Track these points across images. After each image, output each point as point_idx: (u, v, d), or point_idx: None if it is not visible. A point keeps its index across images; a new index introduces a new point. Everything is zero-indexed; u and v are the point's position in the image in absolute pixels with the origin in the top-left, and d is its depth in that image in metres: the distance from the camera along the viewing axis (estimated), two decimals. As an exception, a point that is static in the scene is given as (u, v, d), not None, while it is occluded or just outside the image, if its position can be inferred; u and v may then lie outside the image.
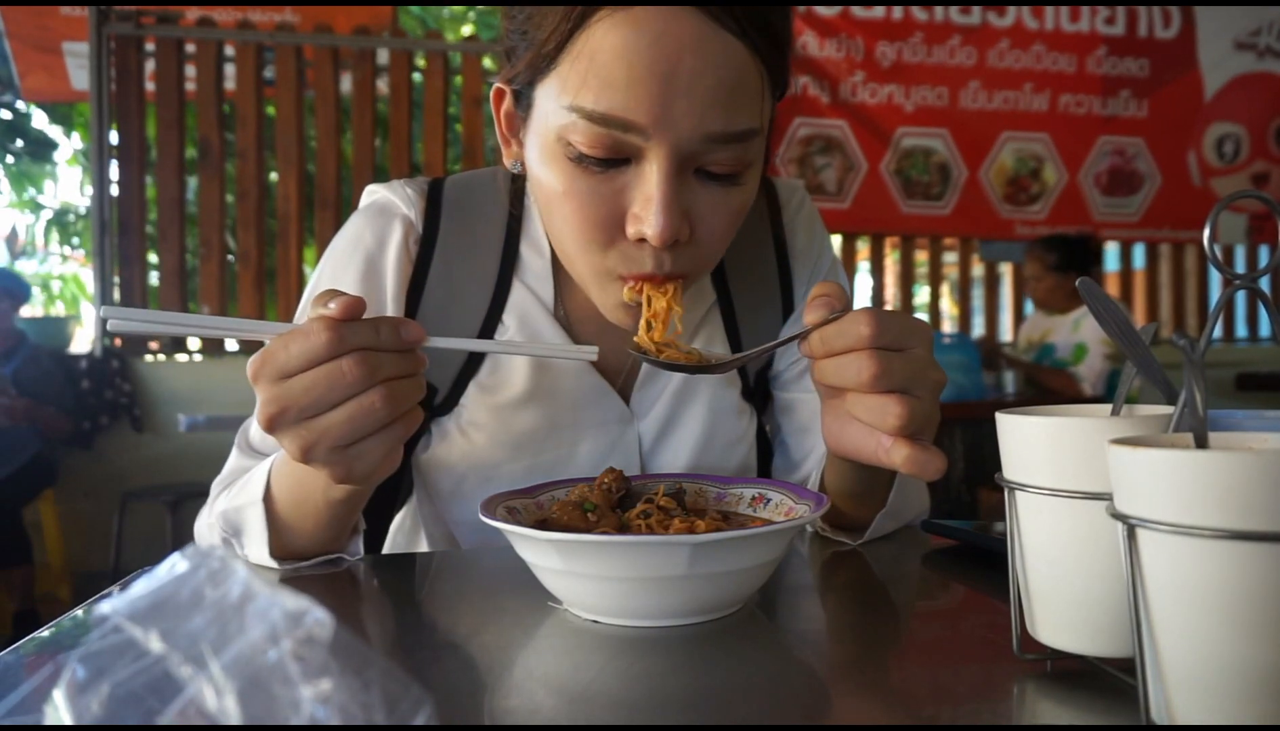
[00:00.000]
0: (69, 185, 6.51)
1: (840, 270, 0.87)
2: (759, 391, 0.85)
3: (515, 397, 0.75)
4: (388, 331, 0.52)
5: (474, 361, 0.76)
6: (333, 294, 0.52)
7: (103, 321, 0.51)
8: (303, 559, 0.66)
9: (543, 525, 0.56)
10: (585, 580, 0.49)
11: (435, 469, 0.78)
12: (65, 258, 6.52)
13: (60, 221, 6.11)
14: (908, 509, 0.73)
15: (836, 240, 4.16)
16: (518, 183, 0.79)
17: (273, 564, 0.65)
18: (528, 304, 0.76)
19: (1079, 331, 3.17)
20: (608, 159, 0.59)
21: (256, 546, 0.64)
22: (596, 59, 0.56)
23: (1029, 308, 4.02)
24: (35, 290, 6.18)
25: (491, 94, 0.70)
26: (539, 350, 0.68)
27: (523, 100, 0.65)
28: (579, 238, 0.63)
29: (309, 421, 0.51)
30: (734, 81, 0.58)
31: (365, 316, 0.53)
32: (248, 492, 0.65)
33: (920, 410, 0.53)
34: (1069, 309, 3.27)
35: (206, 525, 0.71)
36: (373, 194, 0.79)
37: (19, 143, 5.75)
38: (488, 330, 0.76)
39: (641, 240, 0.61)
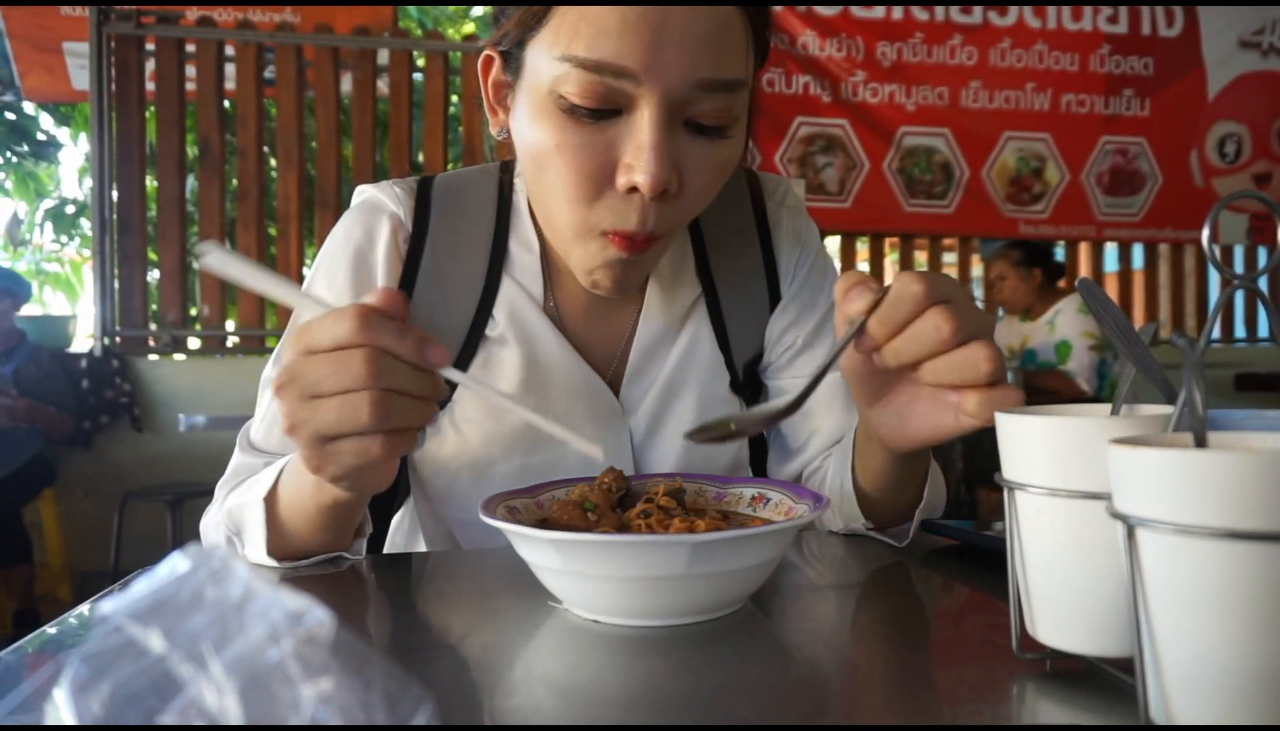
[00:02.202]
0: (68, 179, 6.52)
1: (830, 262, 0.87)
2: (749, 384, 0.84)
3: (506, 393, 0.75)
4: (413, 343, 0.50)
5: (465, 358, 0.76)
6: (383, 291, 0.51)
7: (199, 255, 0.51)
8: (301, 559, 0.66)
9: (543, 524, 0.56)
10: (585, 579, 0.49)
11: (429, 466, 0.78)
12: (62, 245, 6.51)
13: (59, 213, 6.11)
14: (937, 497, 0.73)
15: (835, 241, 4.16)
16: (506, 176, 0.80)
17: (271, 562, 0.65)
18: (518, 299, 0.77)
19: (1056, 331, 3.18)
20: (599, 110, 0.60)
21: (254, 545, 0.65)
22: (588, 9, 0.58)
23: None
24: (34, 284, 6.18)
25: (480, 62, 0.70)
26: (553, 430, 0.57)
27: (512, 62, 0.66)
28: (568, 192, 0.62)
29: (306, 400, 0.50)
30: (723, 32, 0.59)
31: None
32: (252, 491, 0.65)
33: (998, 352, 0.52)
34: (1036, 311, 3.28)
35: (212, 523, 0.71)
36: (362, 193, 0.79)
37: (22, 144, 5.76)
38: (478, 325, 0.76)
39: (631, 191, 0.61)
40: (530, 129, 0.63)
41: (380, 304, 0.50)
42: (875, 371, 0.58)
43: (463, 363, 0.76)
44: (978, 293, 4.44)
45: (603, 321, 0.79)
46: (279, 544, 0.64)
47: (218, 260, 0.50)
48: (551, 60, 0.60)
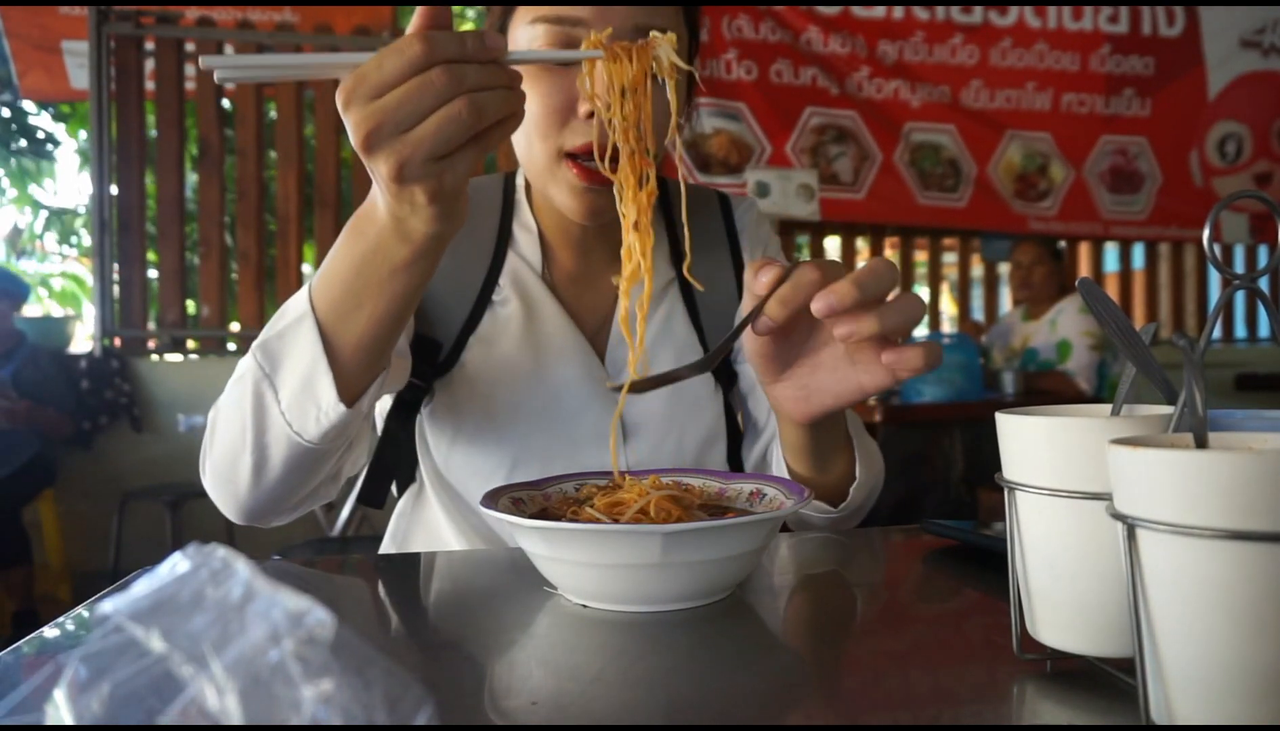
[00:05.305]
0: (68, 184, 6.52)
1: (782, 259, 0.97)
2: (723, 368, 0.92)
3: (509, 350, 0.84)
4: (474, 41, 0.52)
5: (475, 316, 0.85)
6: (422, 11, 0.53)
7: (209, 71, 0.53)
8: (351, 375, 0.64)
9: (543, 514, 0.60)
10: (570, 566, 0.52)
11: (437, 421, 0.85)
12: (64, 257, 6.53)
13: (58, 220, 6.11)
14: (872, 472, 0.78)
15: (835, 241, 4.16)
16: (509, 180, 0.92)
17: (323, 378, 0.62)
18: (520, 269, 0.87)
19: (1057, 330, 3.18)
20: None
21: (299, 368, 0.63)
22: None
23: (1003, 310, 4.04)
24: (35, 289, 6.18)
25: None
26: None
27: None
28: (541, 125, 0.74)
29: (403, 135, 0.52)
30: None
31: None
32: (290, 313, 0.65)
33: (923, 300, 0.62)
34: (1038, 310, 3.28)
35: (230, 397, 0.68)
36: None
37: (20, 142, 5.75)
38: (486, 292, 0.86)
39: (590, 116, 0.72)
40: None
41: (430, 20, 0.52)
42: (777, 349, 0.65)
43: (473, 320, 0.85)
44: (976, 293, 4.44)
45: (590, 291, 0.89)
46: (336, 349, 0.63)
47: (226, 69, 0.52)
48: (526, 26, 0.74)
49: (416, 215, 0.56)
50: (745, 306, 0.62)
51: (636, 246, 0.62)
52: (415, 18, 0.52)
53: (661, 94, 0.66)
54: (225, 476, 0.68)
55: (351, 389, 0.65)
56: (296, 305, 0.65)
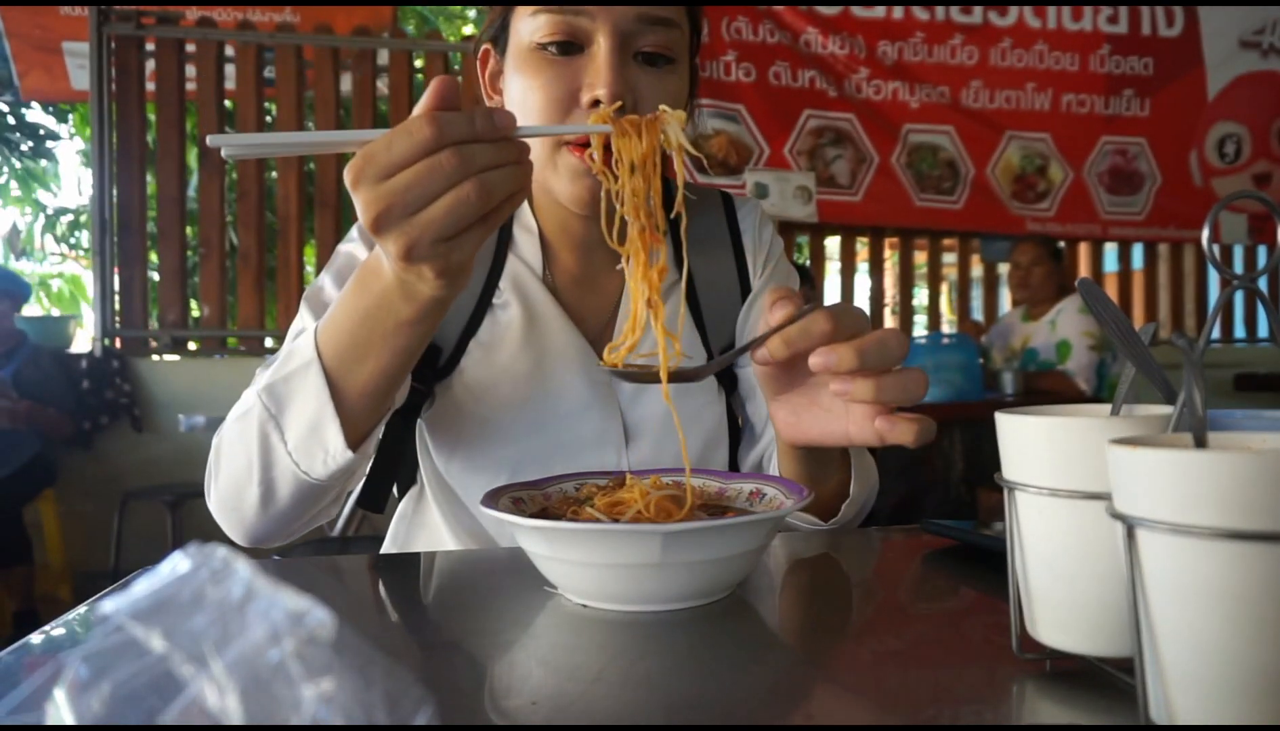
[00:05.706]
0: (68, 186, 6.53)
1: (791, 268, 0.97)
2: (725, 371, 0.92)
3: (510, 354, 0.83)
4: (483, 121, 0.52)
5: (475, 321, 0.84)
6: (434, 87, 0.53)
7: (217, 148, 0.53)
8: (357, 420, 0.65)
9: (544, 514, 0.60)
10: (571, 565, 0.52)
11: (437, 425, 0.85)
12: (64, 257, 6.54)
13: (58, 222, 6.11)
14: (865, 487, 0.78)
15: (835, 241, 4.16)
16: None
17: (329, 425, 0.64)
18: (521, 273, 0.86)
19: (1057, 330, 3.18)
20: (566, 43, 0.73)
21: (304, 414, 0.64)
22: None
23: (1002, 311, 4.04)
24: (36, 290, 6.18)
25: (478, 60, 0.84)
26: None
27: (500, 43, 0.80)
28: (542, 115, 0.74)
29: (412, 217, 0.52)
30: None
31: None
32: (297, 358, 0.65)
33: (927, 379, 0.60)
34: (1038, 311, 3.28)
35: (232, 431, 0.69)
36: None
37: (21, 142, 5.74)
38: (486, 295, 0.85)
39: (594, 104, 0.72)
40: (515, 82, 0.76)
41: (438, 100, 0.52)
42: (779, 372, 0.65)
43: (473, 325, 0.84)
44: (976, 294, 4.44)
45: (592, 292, 0.88)
46: (342, 395, 0.64)
47: (233, 146, 0.52)
48: (528, 17, 0.74)
49: (423, 282, 0.57)
50: (759, 328, 0.63)
51: (650, 322, 0.62)
52: (425, 97, 0.53)
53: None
54: (231, 505, 0.70)
55: (358, 431, 0.67)
56: (302, 350, 0.66)
